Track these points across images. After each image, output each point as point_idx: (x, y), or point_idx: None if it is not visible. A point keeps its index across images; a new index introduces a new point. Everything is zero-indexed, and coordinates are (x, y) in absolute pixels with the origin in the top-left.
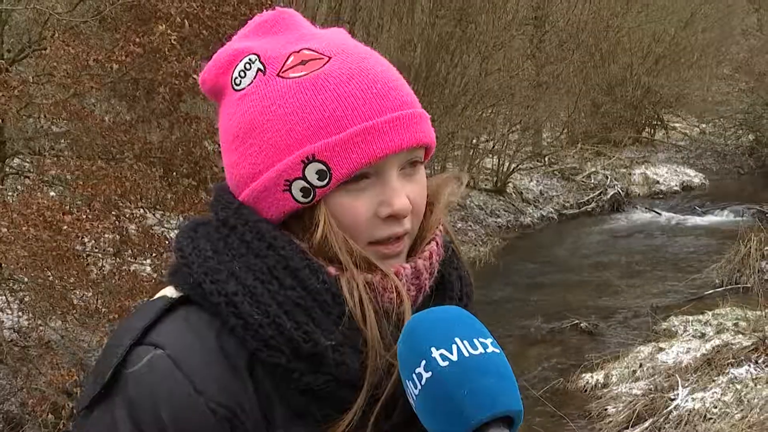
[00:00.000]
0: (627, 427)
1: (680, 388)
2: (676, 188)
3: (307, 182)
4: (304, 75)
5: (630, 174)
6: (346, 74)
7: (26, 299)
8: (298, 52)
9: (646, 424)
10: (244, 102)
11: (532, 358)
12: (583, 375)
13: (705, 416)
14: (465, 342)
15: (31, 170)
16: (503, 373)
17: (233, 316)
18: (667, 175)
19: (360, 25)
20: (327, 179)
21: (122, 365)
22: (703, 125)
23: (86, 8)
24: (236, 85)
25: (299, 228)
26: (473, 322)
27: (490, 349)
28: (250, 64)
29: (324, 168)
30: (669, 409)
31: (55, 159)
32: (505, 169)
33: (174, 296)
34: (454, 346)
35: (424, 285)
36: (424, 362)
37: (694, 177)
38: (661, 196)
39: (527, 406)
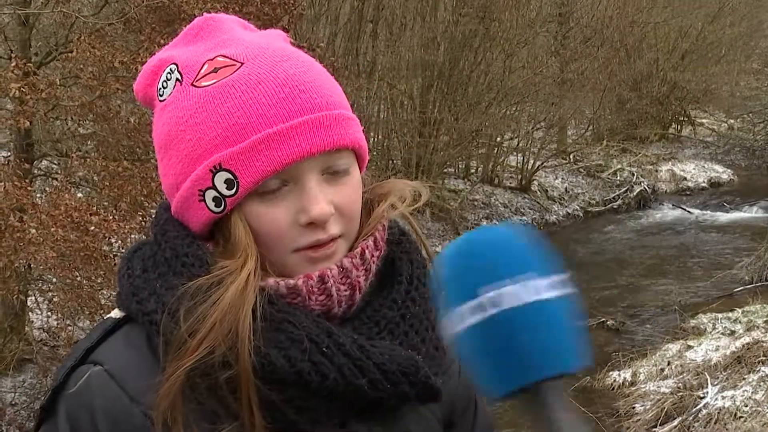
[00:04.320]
0: (655, 426)
1: (710, 386)
2: (703, 185)
3: (218, 191)
4: (214, 83)
5: (656, 171)
6: (254, 80)
7: (55, 299)
8: (213, 59)
9: (675, 422)
10: (165, 113)
11: None
12: (611, 373)
13: (735, 414)
14: (541, 280)
15: (59, 172)
16: (575, 324)
17: (156, 334)
18: (695, 171)
19: (383, 23)
20: (235, 188)
21: (62, 387)
22: (731, 121)
23: (111, 11)
24: (160, 95)
25: (220, 237)
26: (546, 253)
27: (567, 291)
28: (170, 74)
29: (231, 177)
30: (698, 407)
31: (82, 160)
32: (529, 167)
33: (118, 316)
34: (532, 283)
35: (357, 282)
36: (491, 294)
37: (723, 173)
38: (688, 192)
39: None
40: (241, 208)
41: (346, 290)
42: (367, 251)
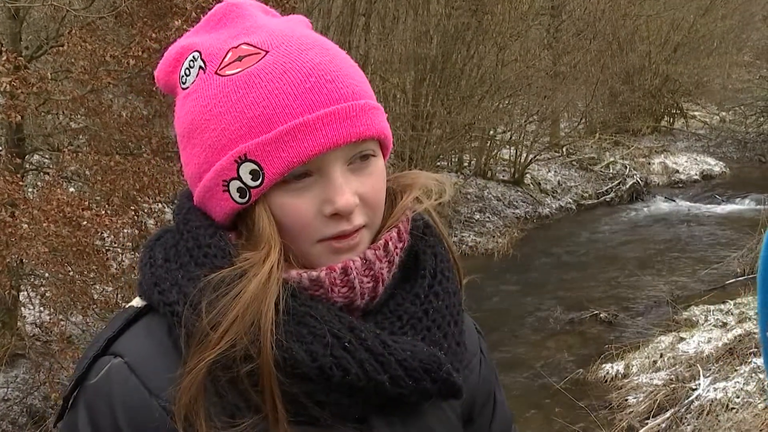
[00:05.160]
0: (648, 418)
1: (702, 378)
2: (696, 177)
3: (242, 182)
4: (239, 72)
5: (649, 163)
6: (280, 69)
7: (47, 294)
8: (237, 47)
9: (667, 414)
10: (188, 101)
11: (552, 349)
12: (603, 365)
13: (727, 406)
14: None
15: (51, 166)
16: None
17: (177, 325)
18: (687, 164)
19: (375, 17)
20: (260, 179)
21: (84, 377)
22: (723, 113)
23: (102, 4)
24: (183, 83)
25: (244, 228)
26: None
27: None
28: (193, 61)
29: (256, 167)
30: (690, 399)
31: (74, 155)
32: (522, 160)
33: (139, 305)
34: None
35: (381, 274)
36: None
37: (715, 165)
38: (680, 185)
39: (546, 397)
40: (266, 198)
41: (369, 282)
42: (390, 243)
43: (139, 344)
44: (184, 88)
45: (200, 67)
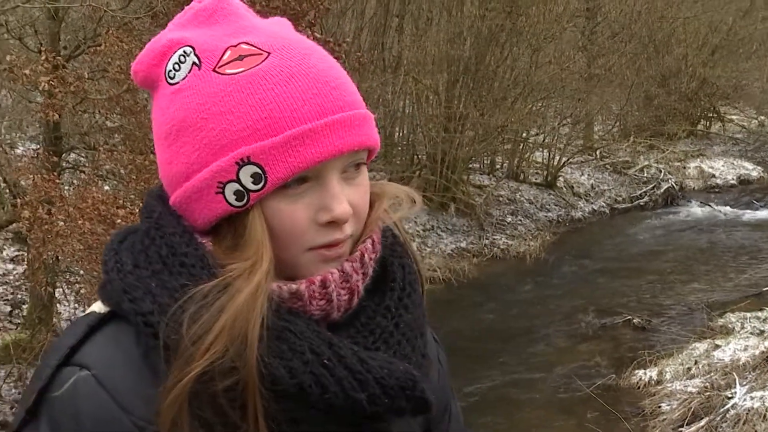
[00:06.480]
0: (682, 425)
1: (738, 386)
2: (732, 182)
3: (241, 185)
4: (242, 71)
5: (684, 167)
6: (286, 72)
7: (82, 291)
8: (236, 46)
9: (702, 422)
10: (179, 97)
11: (584, 354)
12: (636, 371)
13: (765, 416)
14: None
15: (87, 165)
16: None
17: (152, 336)
18: (724, 168)
19: (409, 18)
20: (262, 183)
21: (47, 388)
22: (762, 117)
23: (138, 4)
24: (170, 78)
25: (230, 233)
26: None
27: None
28: (184, 56)
29: (259, 171)
30: (726, 407)
31: (109, 153)
32: (555, 163)
33: (102, 311)
34: None
35: (356, 286)
36: None
37: (752, 170)
38: (717, 189)
39: (578, 403)
40: (261, 204)
41: (345, 295)
42: (366, 255)
43: (106, 355)
44: (171, 83)
45: (194, 63)
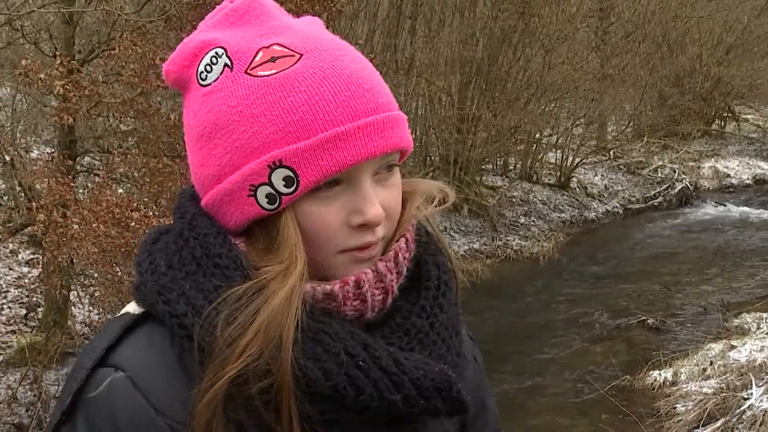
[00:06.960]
0: (697, 427)
1: (754, 387)
2: (748, 182)
3: (273, 188)
4: (274, 74)
5: (699, 167)
6: (319, 75)
7: (96, 294)
8: (268, 47)
9: (718, 423)
10: (210, 99)
11: (598, 355)
12: (651, 372)
13: None
14: None
15: (101, 168)
16: None
17: (186, 338)
18: (739, 168)
19: (422, 19)
20: (294, 186)
21: (83, 390)
22: None
23: (152, 8)
24: (202, 79)
25: (262, 235)
26: None
27: None
28: (216, 58)
29: (291, 174)
30: (742, 408)
31: (123, 156)
32: (568, 164)
33: (136, 312)
34: None
35: (390, 286)
36: None
37: None
38: (732, 190)
39: (592, 404)
40: (293, 206)
41: (379, 295)
42: (400, 254)
43: (140, 357)
44: (203, 85)
45: (226, 65)
